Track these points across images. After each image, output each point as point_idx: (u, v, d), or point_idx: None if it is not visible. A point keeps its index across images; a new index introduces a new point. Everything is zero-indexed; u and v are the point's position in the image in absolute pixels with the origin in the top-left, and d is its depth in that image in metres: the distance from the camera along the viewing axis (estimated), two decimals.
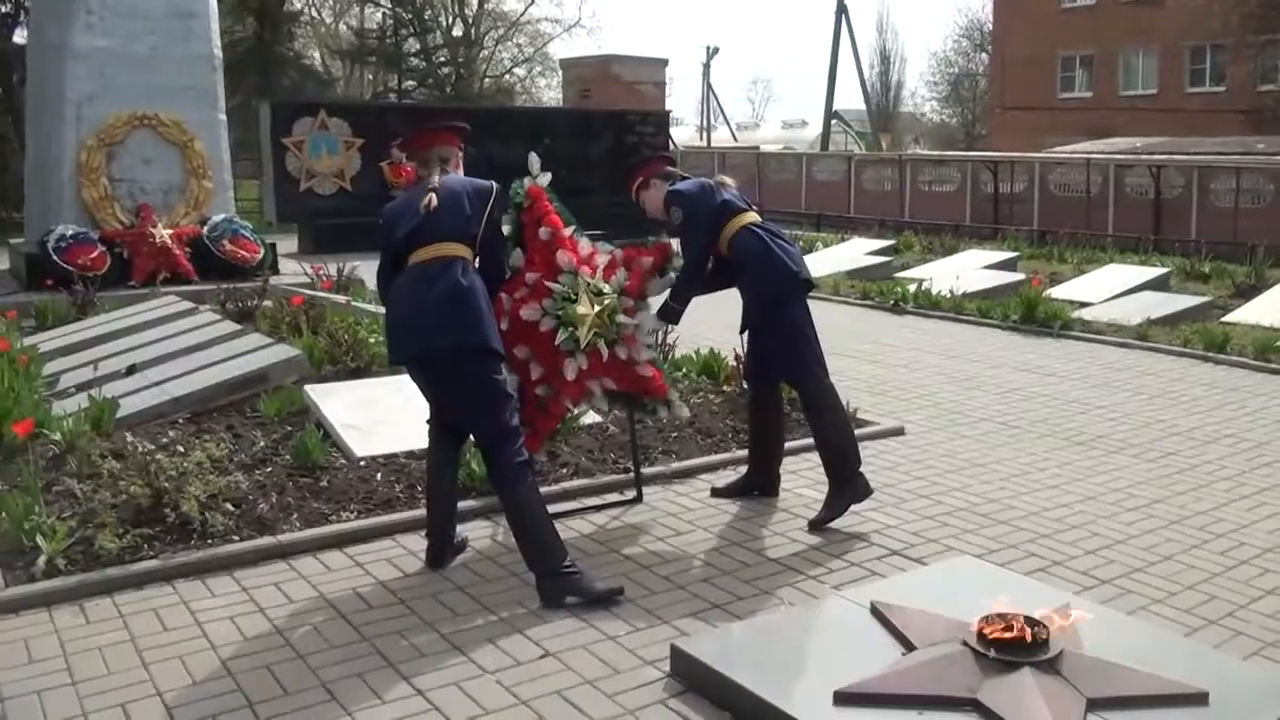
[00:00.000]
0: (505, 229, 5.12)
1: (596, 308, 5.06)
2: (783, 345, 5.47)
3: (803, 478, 5.98)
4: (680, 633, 4.07)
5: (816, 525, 5.28)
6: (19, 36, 24.09)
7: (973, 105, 56.59)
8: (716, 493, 5.76)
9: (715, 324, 7.45)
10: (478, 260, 4.73)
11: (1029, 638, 3.54)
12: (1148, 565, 4.90)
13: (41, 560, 4.48)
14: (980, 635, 3.59)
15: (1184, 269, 15.42)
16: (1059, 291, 13.41)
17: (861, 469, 5.44)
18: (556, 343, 5.03)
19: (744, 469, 5.87)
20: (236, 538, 4.88)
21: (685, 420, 6.06)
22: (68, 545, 4.59)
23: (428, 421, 4.82)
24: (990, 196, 26.80)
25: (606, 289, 5.16)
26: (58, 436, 5.93)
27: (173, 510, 4.85)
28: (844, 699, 3.36)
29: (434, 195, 4.56)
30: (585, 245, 5.28)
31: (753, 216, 5.59)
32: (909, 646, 3.70)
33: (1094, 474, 6.27)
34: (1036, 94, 39.25)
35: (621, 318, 5.19)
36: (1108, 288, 13.35)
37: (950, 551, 4.99)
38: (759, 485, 5.75)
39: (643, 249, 5.54)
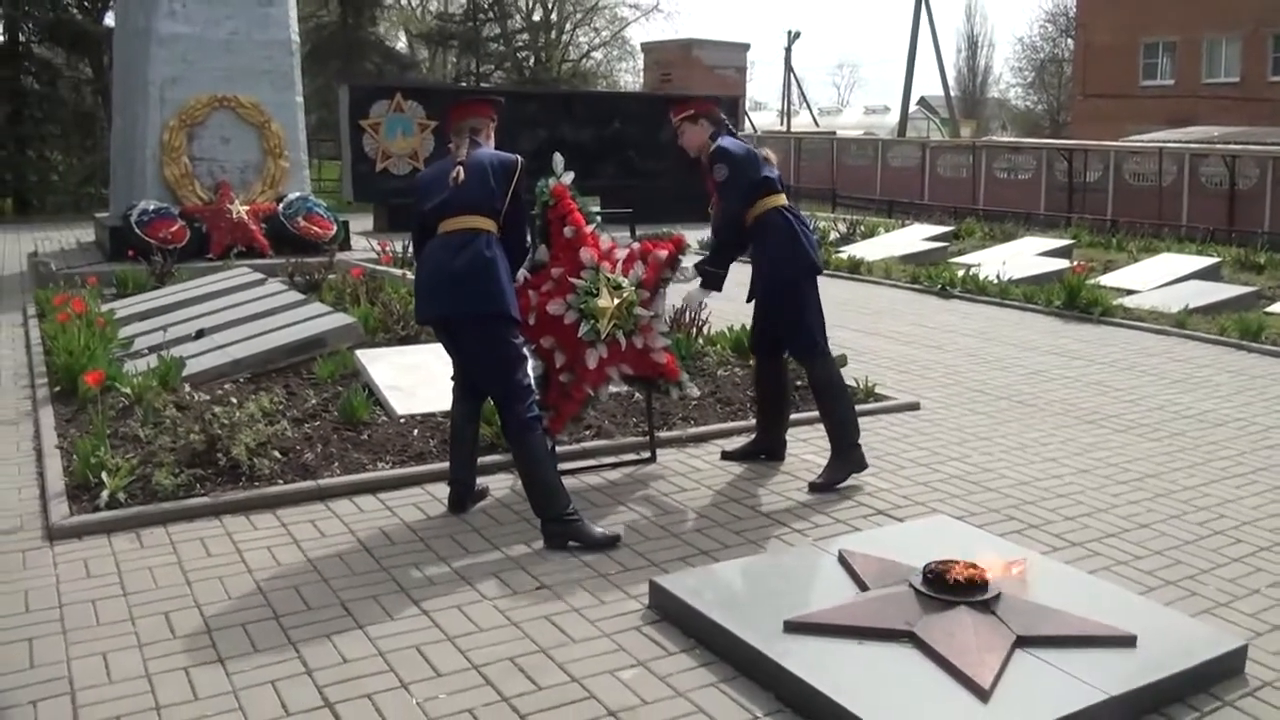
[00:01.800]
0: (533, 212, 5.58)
1: (616, 301, 5.51)
2: (793, 321, 5.84)
3: (812, 445, 6.36)
4: (665, 573, 4.49)
5: (815, 488, 5.67)
6: (109, 20, 25.06)
7: (1057, 92, 56.02)
8: (726, 455, 6.17)
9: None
10: (502, 232, 5.09)
11: (967, 579, 3.90)
12: (1122, 532, 5.20)
13: (105, 494, 5.04)
14: (924, 577, 3.97)
15: (1239, 259, 15.44)
16: (1109, 279, 13.58)
17: (861, 442, 5.82)
18: (579, 334, 5.50)
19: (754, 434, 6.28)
20: (281, 481, 5.40)
21: (694, 399, 6.46)
22: (129, 482, 5.16)
23: (452, 379, 5.28)
24: (1064, 185, 26.76)
25: (625, 283, 5.62)
26: (127, 390, 6.51)
27: (224, 454, 5.40)
28: (793, 628, 3.76)
29: (461, 169, 4.96)
30: (605, 241, 5.72)
31: (784, 199, 5.96)
32: (863, 588, 4.09)
33: (1095, 450, 6.55)
34: (1119, 81, 38.86)
35: (639, 310, 5.64)
36: (1157, 276, 13.48)
37: (933, 513, 5.35)
38: (765, 450, 6.15)
39: (659, 242, 5.96)
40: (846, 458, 5.77)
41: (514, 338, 4.98)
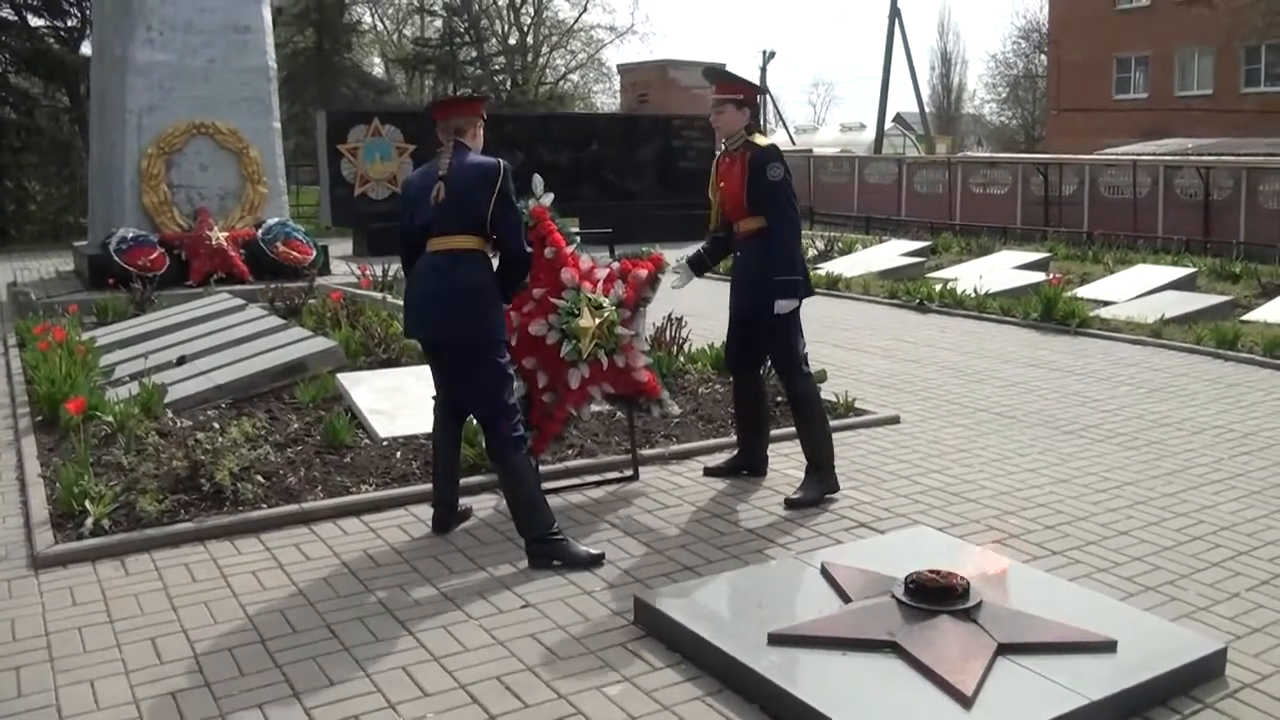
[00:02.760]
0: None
1: (597, 320, 5.55)
2: (781, 340, 5.83)
3: (794, 460, 6.37)
4: (650, 589, 4.51)
5: (792, 505, 5.68)
6: (85, 49, 25.09)
7: (1032, 107, 56.41)
8: (709, 471, 6.20)
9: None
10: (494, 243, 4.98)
11: (948, 589, 3.94)
12: (1101, 539, 5.25)
13: (89, 522, 5.05)
14: (906, 587, 4.01)
15: (1214, 269, 15.58)
16: (1086, 291, 13.69)
17: (836, 462, 5.88)
18: (561, 354, 5.53)
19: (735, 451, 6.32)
20: (265, 505, 5.41)
21: (675, 416, 6.48)
22: (112, 509, 5.17)
23: (434, 398, 5.30)
24: (1040, 198, 26.91)
25: (605, 302, 5.66)
26: (109, 418, 6.52)
27: (208, 480, 5.41)
28: (777, 639, 3.80)
29: (442, 186, 4.85)
30: (585, 261, 5.76)
31: None
32: (846, 599, 4.13)
33: (1073, 460, 6.61)
34: (1093, 95, 39.17)
35: (620, 329, 5.68)
36: (1133, 287, 13.60)
37: (914, 525, 5.39)
38: (747, 465, 6.18)
39: (639, 261, 6.00)
40: (824, 477, 5.80)
41: (500, 358, 4.97)
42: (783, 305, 5.68)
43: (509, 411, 4.95)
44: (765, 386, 6.29)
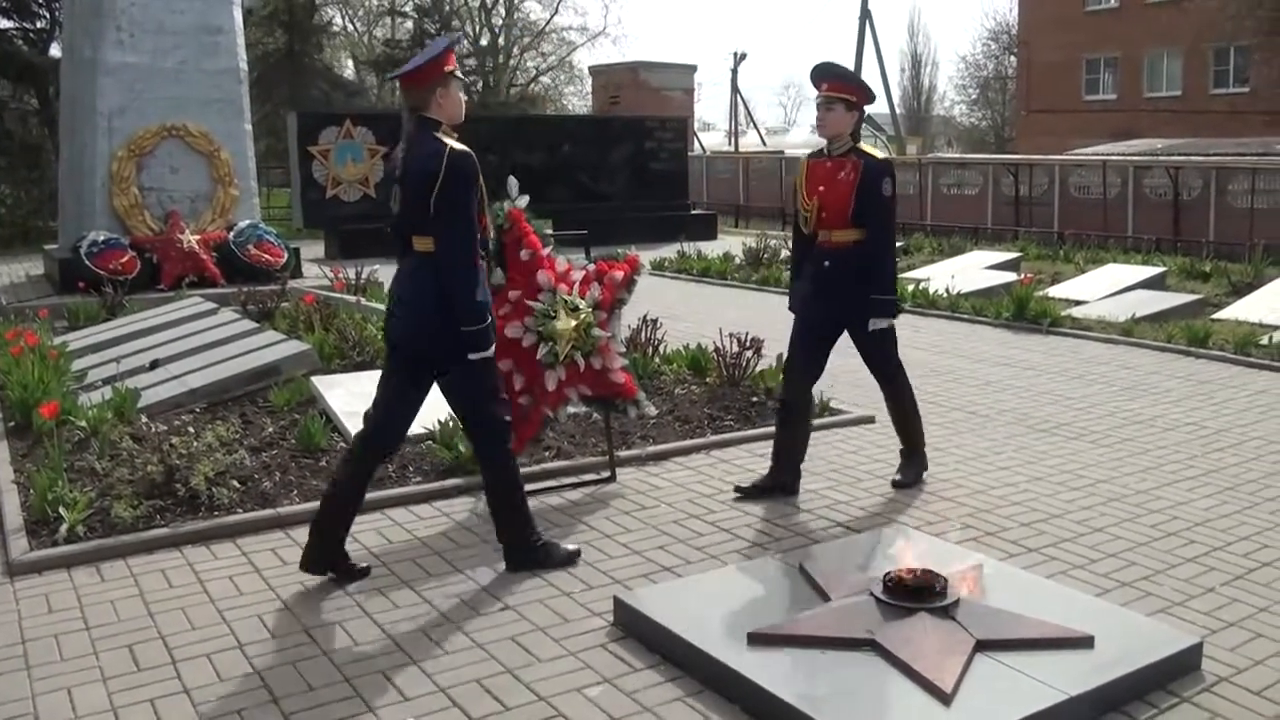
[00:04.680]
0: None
1: (573, 323, 5.54)
2: (882, 350, 5.95)
3: (769, 460, 6.39)
4: (629, 590, 4.52)
5: (899, 485, 5.98)
6: (55, 51, 24.91)
7: (1002, 108, 56.74)
8: (741, 492, 5.82)
9: (711, 323, 7.87)
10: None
11: (926, 587, 3.96)
12: (1077, 536, 5.29)
13: (63, 528, 5.00)
14: (884, 585, 4.02)
15: (1184, 268, 15.70)
16: (1057, 290, 13.78)
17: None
18: (538, 357, 5.52)
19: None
20: (240, 510, 5.38)
21: (651, 417, 6.48)
22: (87, 515, 5.13)
23: (366, 415, 4.82)
24: (1011, 199, 27.03)
25: (582, 304, 5.65)
26: (83, 423, 6.46)
27: (183, 485, 5.37)
28: (756, 639, 3.80)
29: (397, 191, 4.53)
30: (561, 263, 5.75)
31: None
32: (826, 598, 4.14)
33: (1047, 458, 6.65)
34: (1062, 97, 39.44)
35: (596, 331, 5.67)
36: (1104, 286, 13.70)
37: (891, 524, 5.41)
38: (781, 484, 5.86)
39: (614, 263, 6.00)
40: (919, 459, 6.14)
41: (475, 351, 4.53)
42: (878, 324, 5.72)
43: (495, 396, 4.69)
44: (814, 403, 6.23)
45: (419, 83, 4.49)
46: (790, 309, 5.99)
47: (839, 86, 5.63)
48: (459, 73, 4.62)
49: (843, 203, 5.59)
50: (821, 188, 5.68)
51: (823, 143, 5.88)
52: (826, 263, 5.72)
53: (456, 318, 4.44)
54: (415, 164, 4.45)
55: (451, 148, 4.40)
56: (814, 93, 5.73)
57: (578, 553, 4.88)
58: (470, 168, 4.41)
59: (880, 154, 5.81)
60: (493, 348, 4.60)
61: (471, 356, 4.50)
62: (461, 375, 4.62)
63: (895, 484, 5.99)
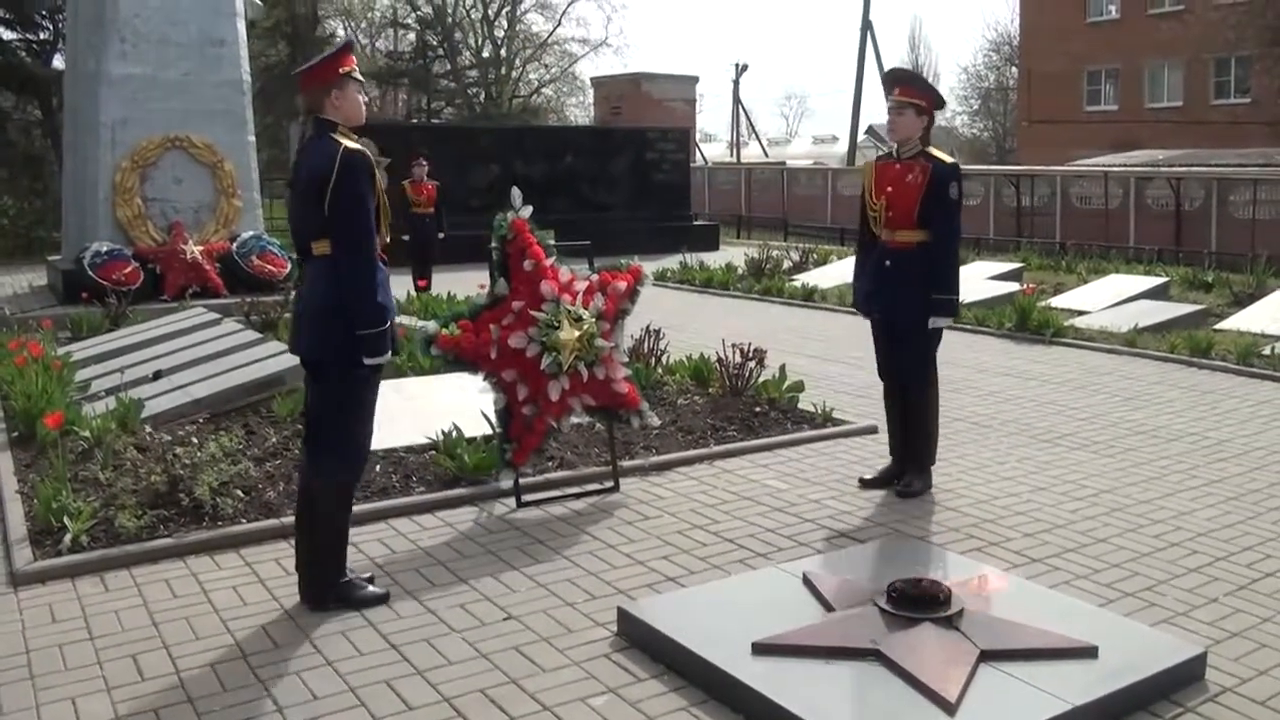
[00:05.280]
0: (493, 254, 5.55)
1: (577, 333, 5.55)
2: (919, 351, 6.00)
3: (772, 470, 6.42)
4: (632, 600, 4.52)
5: (904, 495, 5.96)
6: (58, 62, 24.98)
7: (1003, 119, 56.80)
8: (866, 483, 6.12)
9: (713, 333, 7.88)
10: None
11: (930, 597, 3.96)
12: (1080, 546, 5.29)
13: (67, 538, 5.00)
14: (888, 595, 4.02)
15: (1187, 279, 15.72)
16: (1060, 301, 13.79)
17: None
18: (542, 367, 5.53)
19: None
20: (244, 520, 5.38)
21: (654, 428, 6.51)
22: (91, 525, 5.13)
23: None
24: (1013, 209, 27.09)
25: (585, 314, 5.66)
26: (86, 433, 6.47)
27: (187, 495, 5.38)
28: (761, 649, 3.80)
29: (289, 193, 4.43)
30: (565, 273, 5.77)
31: None
32: (829, 608, 4.14)
33: (1050, 468, 6.65)
34: (1064, 107, 39.47)
35: (600, 341, 5.68)
36: (1106, 297, 13.71)
37: (894, 534, 5.41)
38: (899, 475, 6.14)
39: (617, 273, 6.01)
40: (927, 475, 6.12)
41: (341, 382, 4.39)
42: (938, 322, 5.83)
43: (331, 443, 4.43)
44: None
45: (314, 83, 4.39)
46: (859, 310, 6.25)
47: (910, 91, 5.82)
48: (358, 74, 4.48)
49: (910, 204, 5.77)
50: (890, 188, 5.83)
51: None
52: (888, 262, 5.89)
53: (352, 320, 4.26)
54: (308, 165, 4.33)
55: (345, 147, 4.27)
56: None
57: (387, 595, 4.57)
58: (364, 166, 4.28)
59: (948, 158, 5.94)
60: (388, 356, 4.39)
61: (367, 361, 4.32)
62: (334, 381, 4.38)
63: (900, 494, 5.99)
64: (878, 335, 6.14)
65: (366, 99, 4.53)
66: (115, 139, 13.63)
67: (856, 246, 6.34)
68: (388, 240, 4.54)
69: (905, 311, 5.86)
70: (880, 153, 6.25)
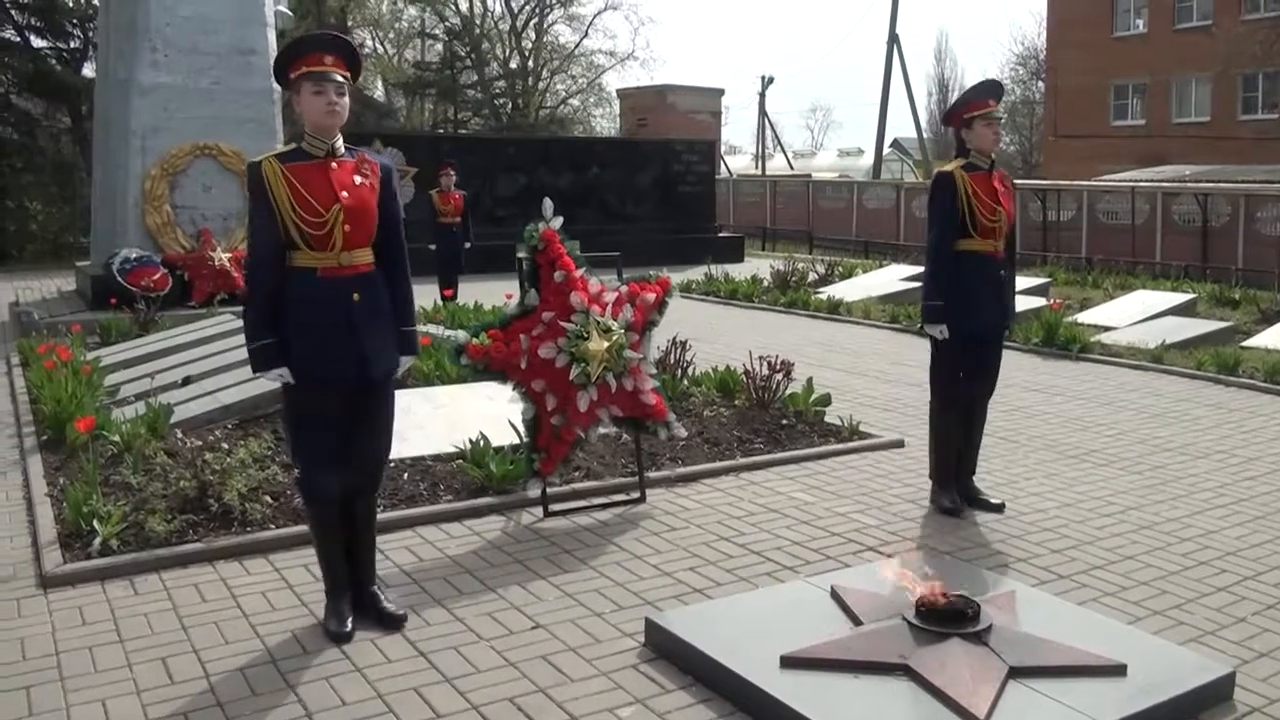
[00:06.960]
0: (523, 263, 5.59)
1: (606, 344, 5.57)
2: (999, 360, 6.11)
3: (798, 483, 6.42)
4: (660, 611, 4.52)
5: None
6: (88, 70, 25.20)
7: (1029, 133, 56.61)
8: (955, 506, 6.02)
9: (739, 345, 7.88)
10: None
11: (959, 612, 3.95)
12: (1108, 564, 5.26)
13: (97, 541, 5.04)
14: (917, 610, 4.02)
15: (1214, 295, 15.64)
16: (1087, 316, 13.74)
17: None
18: (570, 377, 5.55)
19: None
20: (273, 525, 5.42)
21: (682, 439, 6.52)
22: (121, 529, 5.16)
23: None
24: (1039, 224, 26.98)
25: (614, 325, 5.67)
26: (116, 438, 6.52)
27: (216, 500, 5.41)
28: (789, 662, 3.80)
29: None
30: (594, 284, 5.79)
31: None
32: (857, 622, 4.13)
33: (1078, 484, 6.62)
34: (1090, 122, 39.31)
35: (628, 352, 5.70)
36: (1134, 313, 13.65)
37: (922, 548, 5.40)
38: (969, 495, 6.12)
39: (646, 284, 6.03)
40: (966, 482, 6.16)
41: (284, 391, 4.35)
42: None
43: (297, 459, 4.54)
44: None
45: (284, 82, 4.30)
46: (963, 329, 5.85)
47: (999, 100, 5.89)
48: (320, 72, 4.22)
49: (1015, 214, 5.93)
50: (1004, 203, 5.84)
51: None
52: (1003, 272, 5.95)
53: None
54: None
55: (256, 160, 4.20)
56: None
57: (351, 634, 4.32)
58: (250, 176, 4.20)
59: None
60: (273, 371, 4.18)
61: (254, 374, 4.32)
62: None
63: (997, 508, 6.03)
64: (972, 350, 5.93)
65: (334, 101, 4.26)
66: (145, 146, 13.76)
67: (934, 260, 5.89)
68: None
69: (1010, 319, 6.06)
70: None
